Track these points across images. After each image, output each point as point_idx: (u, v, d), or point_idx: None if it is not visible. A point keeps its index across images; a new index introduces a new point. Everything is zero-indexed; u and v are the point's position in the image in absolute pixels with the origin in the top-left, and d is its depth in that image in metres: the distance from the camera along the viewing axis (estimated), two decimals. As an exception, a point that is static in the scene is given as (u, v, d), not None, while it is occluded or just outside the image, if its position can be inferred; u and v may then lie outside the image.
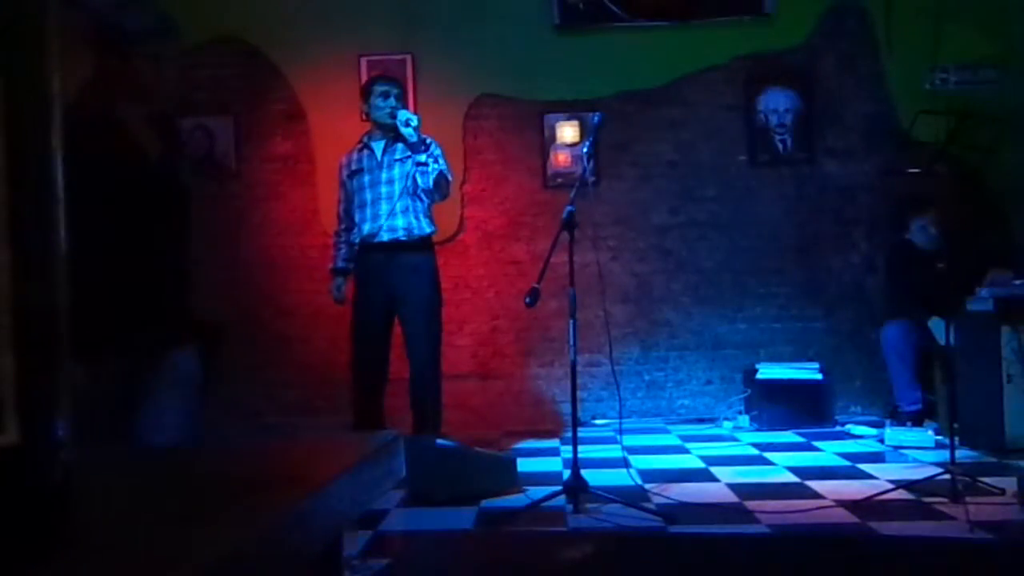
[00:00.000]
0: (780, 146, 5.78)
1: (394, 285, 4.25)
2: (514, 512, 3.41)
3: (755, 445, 4.79)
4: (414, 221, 4.26)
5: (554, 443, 5.02)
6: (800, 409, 5.28)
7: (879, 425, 5.03)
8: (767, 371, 5.37)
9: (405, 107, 4.40)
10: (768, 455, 4.51)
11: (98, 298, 1.52)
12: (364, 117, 4.64)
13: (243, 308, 5.75)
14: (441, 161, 4.28)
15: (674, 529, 3.17)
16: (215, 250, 5.77)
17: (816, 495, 3.61)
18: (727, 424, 5.41)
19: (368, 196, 4.28)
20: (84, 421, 0.59)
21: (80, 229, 0.63)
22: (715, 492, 3.73)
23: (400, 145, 4.26)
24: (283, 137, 5.82)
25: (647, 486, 3.74)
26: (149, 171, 2.05)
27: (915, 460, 4.29)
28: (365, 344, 4.29)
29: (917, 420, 4.93)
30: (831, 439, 4.91)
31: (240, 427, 5.63)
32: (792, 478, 3.96)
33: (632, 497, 3.50)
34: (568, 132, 5.74)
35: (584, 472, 3.44)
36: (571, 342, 3.48)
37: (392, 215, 4.24)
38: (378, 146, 4.33)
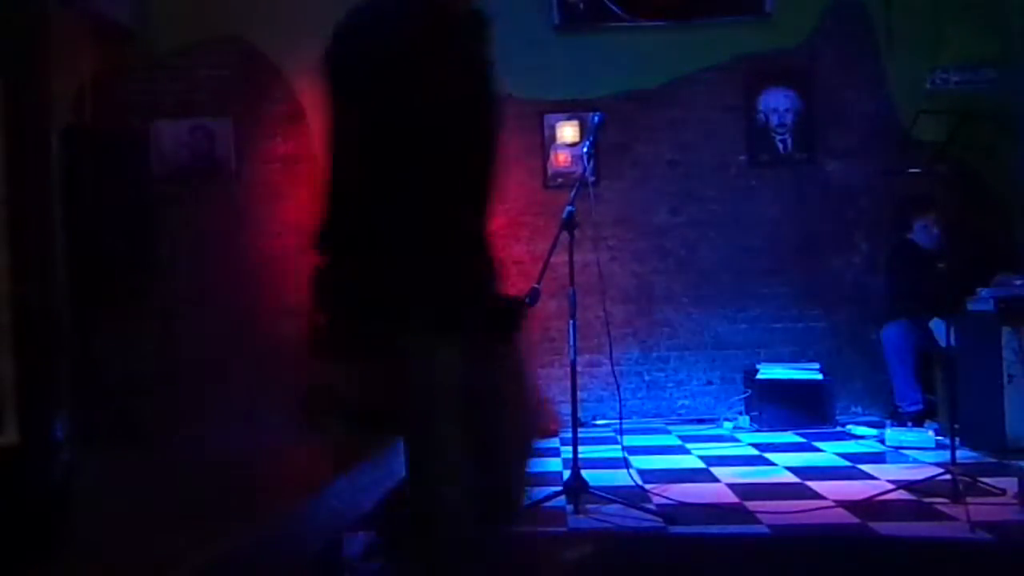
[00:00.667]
0: (780, 146, 5.78)
1: None
2: (514, 512, 3.41)
3: (755, 445, 4.79)
4: None
5: (554, 443, 5.02)
6: (800, 409, 5.28)
7: (880, 425, 5.03)
8: (767, 371, 5.37)
9: None
10: (768, 455, 4.51)
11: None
12: None
13: (242, 308, 5.75)
14: None
15: (674, 529, 3.17)
16: (215, 250, 5.78)
17: (816, 495, 3.61)
18: (727, 424, 5.41)
19: None
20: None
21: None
22: (715, 492, 3.73)
23: None
24: (283, 138, 5.82)
25: (647, 486, 3.74)
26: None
27: (915, 460, 4.29)
28: None
29: (918, 420, 4.93)
30: (831, 439, 4.91)
31: (240, 427, 5.63)
32: (792, 478, 3.96)
33: (632, 497, 3.50)
34: (568, 132, 5.74)
35: (584, 472, 3.44)
36: (571, 342, 3.48)
37: None
38: None
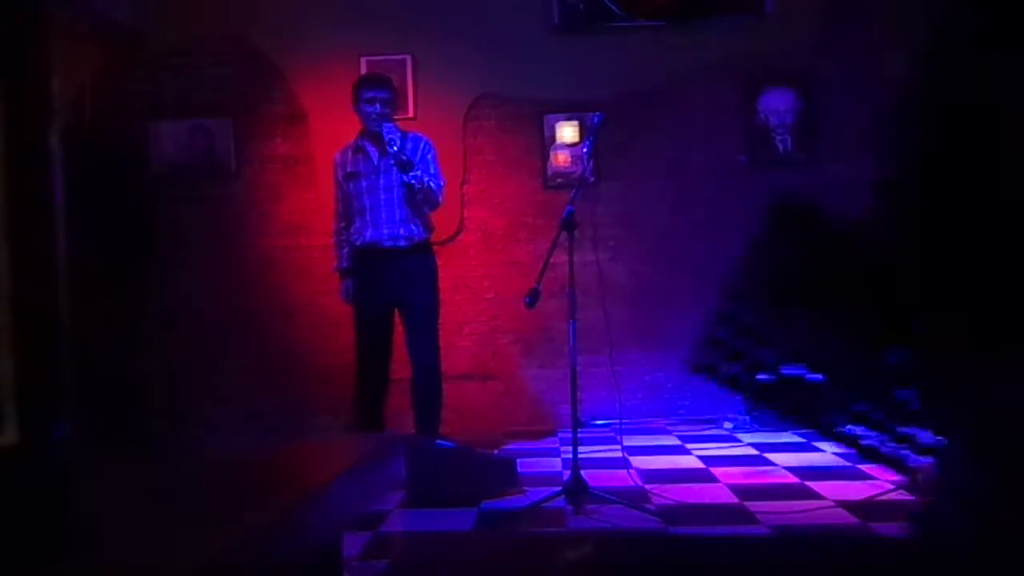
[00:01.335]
0: (780, 146, 5.78)
1: (396, 289, 4.23)
2: (514, 513, 3.41)
3: (755, 446, 4.79)
4: (414, 228, 4.24)
5: (554, 444, 5.03)
6: (801, 410, 5.28)
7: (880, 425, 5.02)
8: (768, 371, 5.37)
9: (394, 112, 4.32)
10: (768, 455, 4.51)
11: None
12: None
13: (243, 308, 5.75)
14: (431, 168, 4.24)
15: (674, 530, 3.17)
16: (215, 250, 5.79)
17: (816, 495, 3.61)
18: (727, 425, 5.41)
19: (367, 202, 4.23)
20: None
21: None
22: (715, 493, 3.73)
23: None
24: (283, 138, 5.82)
25: (647, 487, 3.75)
26: None
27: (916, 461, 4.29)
28: (368, 347, 4.28)
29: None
30: (831, 439, 4.91)
31: (240, 428, 5.63)
32: (792, 478, 3.96)
33: (632, 498, 3.51)
34: (568, 132, 5.74)
35: (584, 473, 3.44)
36: (571, 342, 3.48)
37: (393, 223, 4.21)
38: (373, 150, 4.28)
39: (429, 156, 4.26)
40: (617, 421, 5.20)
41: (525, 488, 3.78)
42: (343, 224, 4.39)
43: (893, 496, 3.54)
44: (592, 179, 5.57)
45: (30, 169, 0.52)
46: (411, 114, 5.61)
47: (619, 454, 4.16)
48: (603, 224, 5.47)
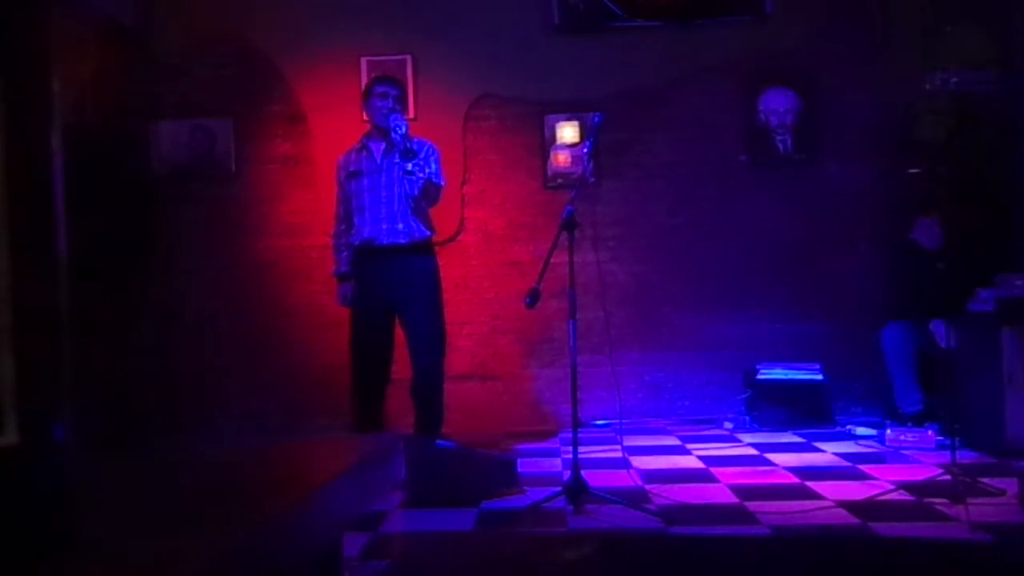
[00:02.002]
0: (780, 146, 5.78)
1: (395, 288, 4.23)
2: (515, 513, 3.41)
3: (755, 446, 4.79)
4: (414, 226, 4.24)
5: (554, 444, 5.02)
6: (800, 410, 5.28)
7: (880, 426, 5.02)
8: (768, 372, 5.37)
9: (403, 110, 4.38)
10: (768, 456, 4.51)
11: None
12: (365, 119, 4.64)
13: (243, 309, 5.75)
14: (433, 166, 4.25)
15: (674, 530, 3.17)
16: (215, 251, 5.78)
17: (817, 496, 3.60)
18: (727, 425, 5.41)
19: (367, 200, 4.24)
20: None
21: None
22: (715, 493, 3.73)
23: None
24: (283, 138, 5.82)
25: (647, 487, 3.75)
26: None
27: (916, 461, 4.29)
28: (366, 347, 4.27)
29: (918, 421, 4.93)
30: (831, 440, 4.91)
31: (240, 428, 5.63)
32: (793, 479, 3.96)
33: (632, 498, 3.50)
34: (568, 132, 5.74)
35: (584, 473, 3.44)
36: (571, 342, 3.48)
37: (392, 220, 4.21)
38: (377, 148, 4.30)
39: (433, 157, 4.28)
40: (617, 421, 5.19)
41: (525, 488, 3.78)
42: (343, 227, 4.39)
43: (893, 496, 3.53)
44: (592, 179, 5.57)
45: (30, 169, 0.52)
46: (411, 114, 5.59)
47: (619, 454, 4.16)
48: (603, 224, 5.47)
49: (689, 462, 4.42)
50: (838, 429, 5.22)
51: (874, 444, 4.76)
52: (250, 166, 5.81)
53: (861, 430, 5.07)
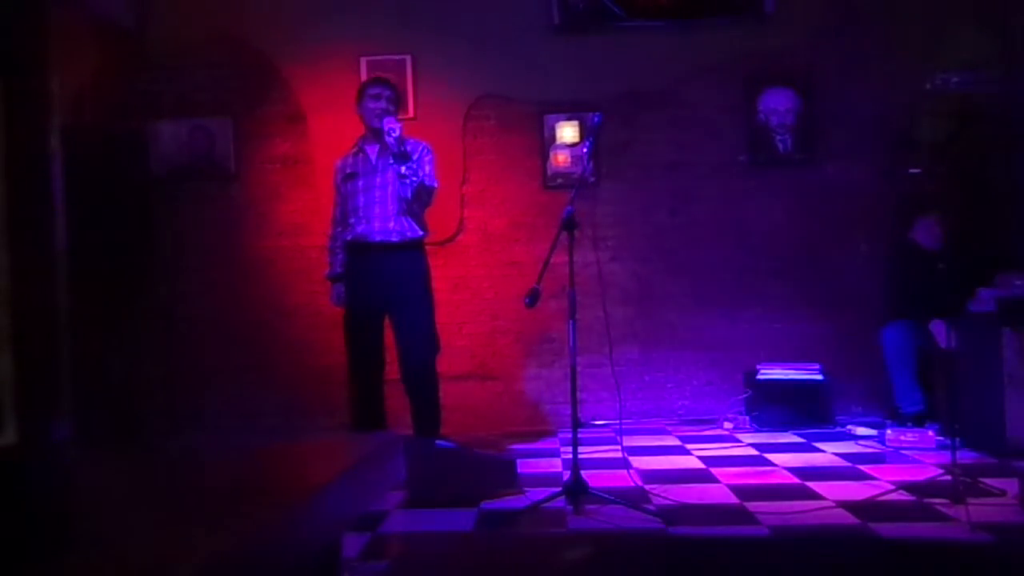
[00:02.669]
0: (780, 146, 5.78)
1: (386, 286, 4.25)
2: (514, 513, 3.41)
3: (755, 446, 4.79)
4: (407, 225, 4.26)
5: (554, 444, 5.02)
6: (800, 410, 5.28)
7: (880, 426, 5.03)
8: (767, 372, 5.37)
9: (396, 111, 4.39)
10: (768, 456, 4.51)
11: None
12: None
13: (242, 309, 5.75)
14: (426, 168, 4.27)
15: (674, 530, 3.17)
16: (214, 251, 5.78)
17: (817, 496, 3.61)
18: (727, 425, 5.41)
19: (362, 200, 4.28)
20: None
21: None
22: (715, 493, 3.73)
23: None
24: (283, 138, 5.82)
25: (647, 487, 3.75)
26: None
27: (916, 461, 4.29)
28: (362, 344, 4.29)
29: (918, 421, 4.93)
30: (831, 440, 4.91)
31: (240, 428, 5.63)
32: (793, 479, 3.96)
33: (632, 498, 3.50)
34: (568, 132, 5.74)
35: (584, 473, 3.44)
36: (571, 343, 3.48)
37: (385, 219, 4.24)
38: (372, 150, 4.34)
39: (427, 158, 4.30)
40: (617, 421, 5.19)
41: (525, 488, 3.78)
42: (339, 229, 4.42)
43: (893, 496, 3.53)
44: (592, 179, 5.57)
45: (30, 169, 0.52)
46: (411, 114, 5.60)
47: (619, 454, 4.16)
48: (603, 224, 5.47)
49: (689, 462, 4.42)
50: (838, 429, 5.22)
51: (874, 444, 4.77)
52: (249, 166, 5.82)
53: (861, 430, 5.08)
